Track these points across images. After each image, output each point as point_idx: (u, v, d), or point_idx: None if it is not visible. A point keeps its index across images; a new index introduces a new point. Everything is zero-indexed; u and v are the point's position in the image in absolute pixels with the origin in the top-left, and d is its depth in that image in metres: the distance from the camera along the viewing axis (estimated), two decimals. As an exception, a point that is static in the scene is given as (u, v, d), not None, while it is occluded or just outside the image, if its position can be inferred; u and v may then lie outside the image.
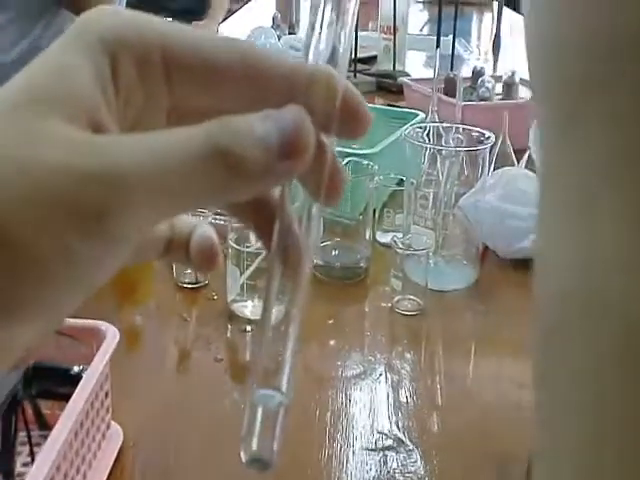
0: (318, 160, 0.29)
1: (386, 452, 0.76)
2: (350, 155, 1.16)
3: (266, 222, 0.32)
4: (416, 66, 2.49)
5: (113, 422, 0.74)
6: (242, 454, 0.28)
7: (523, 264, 1.14)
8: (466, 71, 2.01)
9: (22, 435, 0.67)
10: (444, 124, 1.12)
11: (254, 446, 0.28)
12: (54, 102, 0.26)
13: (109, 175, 0.25)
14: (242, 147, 0.26)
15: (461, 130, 1.08)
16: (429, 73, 2.16)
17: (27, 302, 0.26)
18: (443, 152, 1.06)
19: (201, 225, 0.35)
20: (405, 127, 1.15)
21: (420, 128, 1.09)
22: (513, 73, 1.83)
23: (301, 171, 0.27)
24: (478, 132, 1.07)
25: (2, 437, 0.57)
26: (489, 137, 1.05)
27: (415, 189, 1.08)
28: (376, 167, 1.09)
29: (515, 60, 2.44)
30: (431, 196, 1.06)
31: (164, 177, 0.25)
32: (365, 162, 1.10)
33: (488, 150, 1.05)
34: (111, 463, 0.70)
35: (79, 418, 0.62)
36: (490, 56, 2.93)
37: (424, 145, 1.06)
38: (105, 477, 0.69)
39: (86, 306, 0.80)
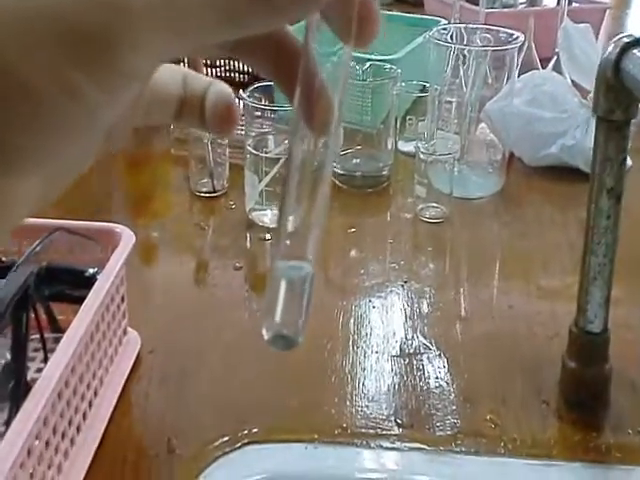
0: None
1: (412, 358, 0.73)
2: (371, 60, 1.11)
3: (289, 68, 0.28)
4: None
5: (130, 329, 0.72)
6: (264, 331, 0.25)
7: (549, 171, 1.10)
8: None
9: (35, 340, 0.65)
10: (469, 25, 1.06)
11: (277, 319, 0.25)
12: None
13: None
14: None
15: (488, 31, 1.03)
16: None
17: (25, 148, 0.23)
18: (470, 53, 1.01)
19: (216, 83, 0.31)
20: (428, 32, 1.09)
21: (444, 30, 1.04)
22: (538, -20, 1.76)
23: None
24: (505, 33, 1.02)
25: (13, 338, 0.55)
26: (517, 37, 0.99)
27: (439, 94, 1.03)
28: (399, 71, 1.04)
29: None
30: (455, 99, 1.01)
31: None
32: (387, 66, 1.05)
33: (516, 51, 1.00)
34: (129, 369, 0.68)
35: (95, 319, 0.60)
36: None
37: (450, 45, 1.01)
38: (122, 382, 0.67)
39: (101, 219, 0.78)
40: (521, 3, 1.77)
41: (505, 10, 1.65)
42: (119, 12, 0.21)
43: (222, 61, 1.46)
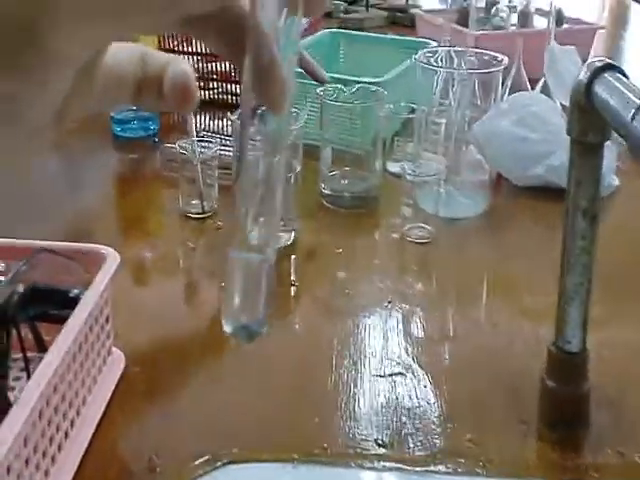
0: None
1: (395, 378, 0.74)
2: (359, 83, 1.13)
3: (242, 44, 0.27)
4: (431, 0, 2.41)
5: (115, 348, 0.73)
6: (224, 323, 0.26)
7: (537, 191, 1.11)
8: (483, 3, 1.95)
9: (21, 360, 0.65)
10: (456, 48, 1.08)
11: (236, 308, 0.25)
12: None
13: None
14: None
15: (473, 54, 1.04)
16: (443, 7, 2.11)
17: None
18: (455, 76, 1.02)
19: (175, 61, 0.31)
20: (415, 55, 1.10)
21: (431, 53, 1.05)
22: (528, 2, 1.78)
23: None
24: (490, 55, 1.03)
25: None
26: (502, 60, 1.01)
27: (427, 116, 1.05)
28: (385, 93, 1.05)
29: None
30: (441, 121, 1.02)
31: None
32: (374, 88, 1.07)
33: (501, 73, 1.01)
34: (112, 388, 0.69)
35: (78, 339, 0.61)
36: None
37: (435, 69, 1.02)
38: (105, 402, 0.67)
39: (92, 239, 0.79)
40: (512, 25, 1.79)
41: (494, 32, 1.67)
42: None
43: (215, 83, 1.48)
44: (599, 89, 0.56)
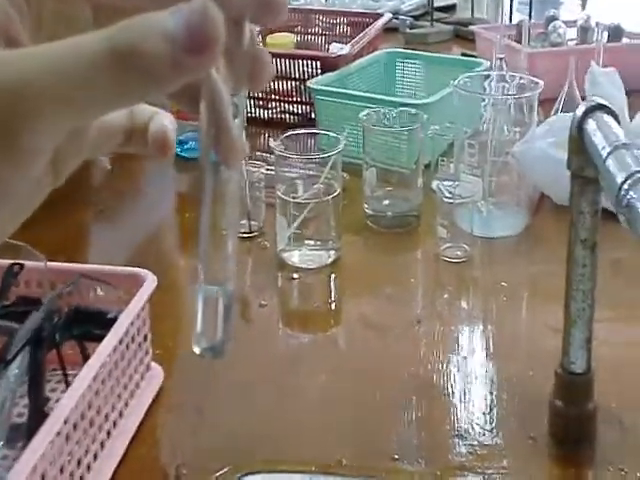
0: (235, 49, 0.28)
1: (414, 393, 0.77)
2: (403, 105, 1.17)
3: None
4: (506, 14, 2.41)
5: (155, 364, 0.79)
6: (194, 347, 0.31)
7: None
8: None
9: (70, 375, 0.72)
10: (495, 72, 1.11)
11: (198, 332, 0.30)
12: None
13: (9, 88, 0.24)
14: (144, 43, 0.24)
15: (508, 77, 1.07)
16: (515, 20, 2.13)
17: None
18: (490, 100, 1.06)
19: (159, 114, 0.35)
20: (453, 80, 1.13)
21: (468, 78, 1.09)
22: (588, 17, 1.77)
23: (212, 64, 0.26)
24: (528, 79, 1.06)
25: (29, 374, 0.62)
26: (537, 83, 1.03)
27: (467, 137, 1.08)
28: (425, 116, 1.09)
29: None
30: (478, 142, 1.05)
31: (65, 84, 0.24)
32: (414, 112, 1.10)
33: (536, 97, 1.04)
34: (149, 402, 0.75)
35: (113, 356, 0.67)
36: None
37: (470, 94, 1.05)
38: (142, 414, 0.73)
39: (143, 255, 0.85)
40: (571, 39, 1.78)
41: (547, 50, 1.68)
42: (16, 100, 0.24)
43: (274, 103, 1.55)
44: (588, 128, 0.59)
